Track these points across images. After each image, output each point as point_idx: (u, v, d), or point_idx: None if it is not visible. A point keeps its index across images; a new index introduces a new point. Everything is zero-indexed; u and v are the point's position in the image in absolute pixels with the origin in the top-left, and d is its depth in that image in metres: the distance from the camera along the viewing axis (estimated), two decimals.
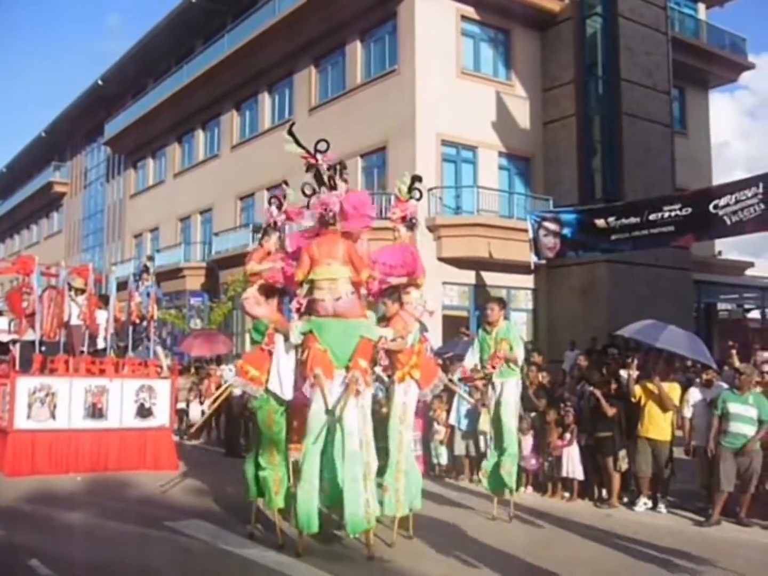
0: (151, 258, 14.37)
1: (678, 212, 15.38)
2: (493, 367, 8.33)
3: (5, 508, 8.89)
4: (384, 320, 7.54)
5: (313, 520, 6.58)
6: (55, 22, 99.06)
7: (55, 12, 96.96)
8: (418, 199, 8.14)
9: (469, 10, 22.27)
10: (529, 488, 10.51)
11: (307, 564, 6.48)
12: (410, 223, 8.06)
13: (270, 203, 8.30)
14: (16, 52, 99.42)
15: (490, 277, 21.16)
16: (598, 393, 9.68)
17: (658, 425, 9.26)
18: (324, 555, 6.77)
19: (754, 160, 64.68)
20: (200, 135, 32.73)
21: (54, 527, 8.03)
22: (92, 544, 7.35)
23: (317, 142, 7.23)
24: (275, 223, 8.17)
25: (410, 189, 8.05)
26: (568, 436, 9.92)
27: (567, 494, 10.06)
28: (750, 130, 73.44)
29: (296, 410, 7.35)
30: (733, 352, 11.23)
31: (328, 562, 6.56)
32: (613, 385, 9.95)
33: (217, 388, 12.20)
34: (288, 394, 7.18)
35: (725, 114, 63.01)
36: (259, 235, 8.49)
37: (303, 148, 7.24)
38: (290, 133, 7.28)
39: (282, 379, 7.16)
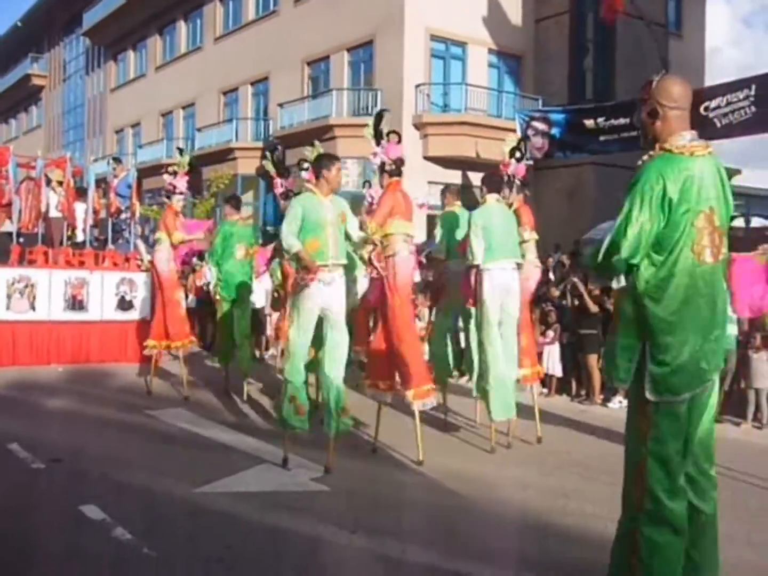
0: (115, 159, 14.29)
1: None
2: None
3: None
4: None
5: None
6: None
7: None
8: (519, 160, 7.74)
9: None
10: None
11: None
12: (514, 183, 7.58)
13: (168, 172, 9.26)
14: None
15: (477, 178, 20.74)
16: (580, 285, 9.66)
17: None
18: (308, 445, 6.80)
19: (745, 68, 63.55)
20: (182, 26, 31.71)
21: (34, 414, 8.07)
22: (72, 430, 7.39)
23: (389, 133, 6.85)
24: (174, 187, 9.17)
25: (512, 151, 7.70)
26: (551, 333, 9.98)
27: (545, 390, 10.20)
28: (743, 37, 71.96)
29: None
30: None
31: (308, 450, 6.61)
32: (591, 287, 9.91)
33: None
34: None
35: (720, 19, 61.60)
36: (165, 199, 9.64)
37: (377, 138, 6.87)
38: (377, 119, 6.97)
39: None
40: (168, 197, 9.14)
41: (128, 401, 8.87)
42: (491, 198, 7.01)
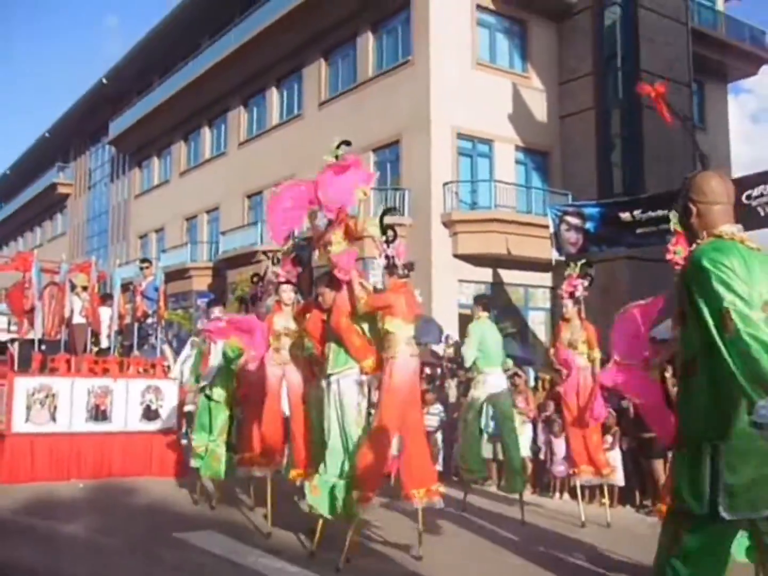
0: (145, 260, 14.00)
1: None
2: None
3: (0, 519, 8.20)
4: None
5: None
6: (55, 25, 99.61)
7: (54, 16, 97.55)
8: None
9: (485, 0, 21.63)
10: (566, 495, 9.84)
11: None
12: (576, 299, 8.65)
13: (273, 262, 8.04)
14: (18, 53, 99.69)
15: (508, 275, 20.47)
16: None
17: None
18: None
19: (757, 162, 63.83)
20: (207, 132, 32.16)
21: (53, 540, 7.31)
22: (95, 559, 6.65)
23: (387, 228, 6.67)
24: (278, 276, 7.82)
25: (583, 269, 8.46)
26: (609, 439, 9.19)
27: (605, 501, 9.36)
28: (752, 133, 72.51)
29: None
30: None
31: None
32: None
33: None
34: None
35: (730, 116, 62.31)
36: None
37: (384, 234, 6.66)
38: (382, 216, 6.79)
39: None
40: (276, 291, 7.75)
41: (155, 522, 8.13)
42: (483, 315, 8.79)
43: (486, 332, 8.60)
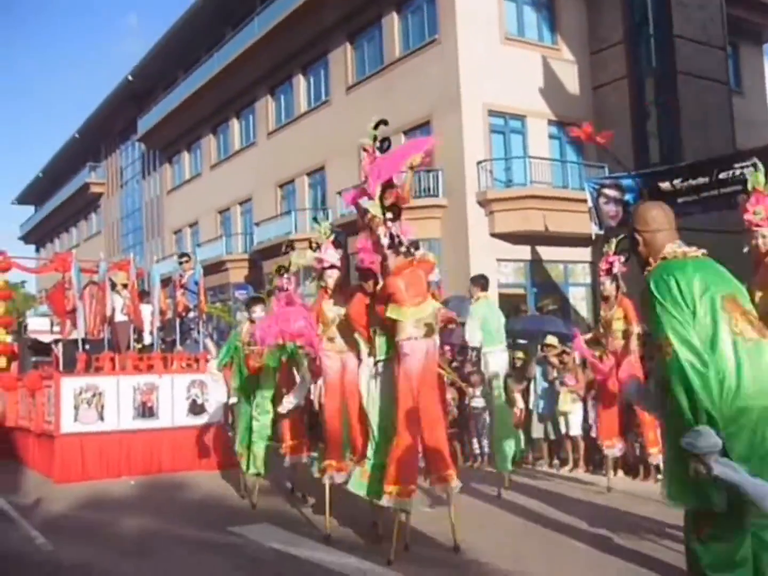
0: (184, 254, 13.95)
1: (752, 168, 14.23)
2: None
3: (54, 518, 8.19)
4: None
5: None
6: (75, 28, 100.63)
7: (74, 19, 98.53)
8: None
9: None
10: (620, 472, 9.64)
11: (395, 571, 5.67)
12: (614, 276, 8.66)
13: (311, 248, 7.38)
14: (42, 59, 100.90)
15: (546, 252, 20.18)
16: None
17: None
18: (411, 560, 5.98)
19: None
20: (235, 124, 32.12)
21: (107, 538, 7.29)
22: (150, 556, 6.61)
23: (390, 207, 6.19)
24: (322, 261, 7.24)
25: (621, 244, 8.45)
26: None
27: (660, 476, 9.15)
28: None
29: None
30: None
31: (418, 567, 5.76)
32: None
33: None
34: None
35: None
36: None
37: (383, 213, 6.20)
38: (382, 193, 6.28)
39: None
40: (320, 277, 7.28)
41: (208, 516, 8.08)
42: (482, 295, 8.94)
43: (487, 312, 8.77)
